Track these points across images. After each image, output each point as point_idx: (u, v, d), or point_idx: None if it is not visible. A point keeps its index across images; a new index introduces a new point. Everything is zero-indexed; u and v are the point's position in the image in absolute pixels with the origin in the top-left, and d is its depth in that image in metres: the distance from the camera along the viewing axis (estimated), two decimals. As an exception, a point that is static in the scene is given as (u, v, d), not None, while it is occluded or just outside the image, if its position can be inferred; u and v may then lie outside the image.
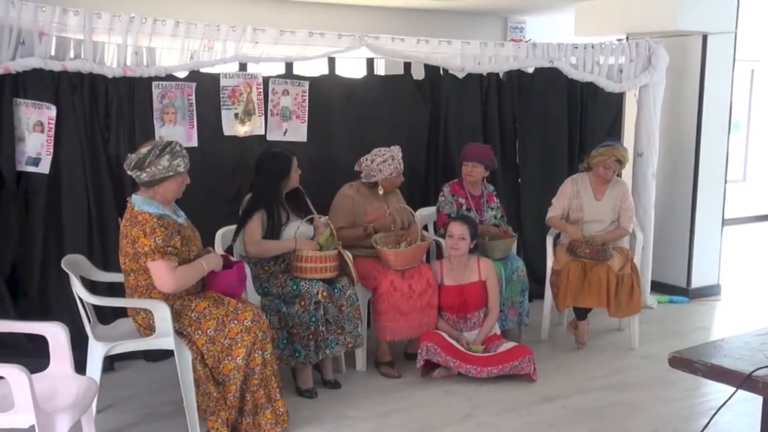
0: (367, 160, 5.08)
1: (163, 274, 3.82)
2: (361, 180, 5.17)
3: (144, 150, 3.87)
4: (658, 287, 6.94)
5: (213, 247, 4.59)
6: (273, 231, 4.60)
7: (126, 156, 3.97)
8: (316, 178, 5.46)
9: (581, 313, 5.50)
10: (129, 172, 3.91)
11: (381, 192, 5.12)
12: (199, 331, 3.93)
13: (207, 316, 3.94)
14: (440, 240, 5.40)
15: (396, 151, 5.13)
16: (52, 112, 4.78)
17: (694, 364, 2.60)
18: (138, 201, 3.91)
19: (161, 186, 3.91)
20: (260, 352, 3.96)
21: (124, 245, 3.91)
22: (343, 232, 4.99)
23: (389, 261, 4.92)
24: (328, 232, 4.71)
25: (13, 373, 2.93)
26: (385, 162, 5.05)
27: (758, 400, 2.64)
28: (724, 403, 2.56)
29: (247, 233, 4.59)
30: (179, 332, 3.94)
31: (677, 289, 6.97)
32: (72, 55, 4.83)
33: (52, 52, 4.76)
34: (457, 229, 5.02)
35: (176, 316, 3.95)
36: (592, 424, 4.30)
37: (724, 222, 7.17)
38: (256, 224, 4.58)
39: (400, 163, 5.12)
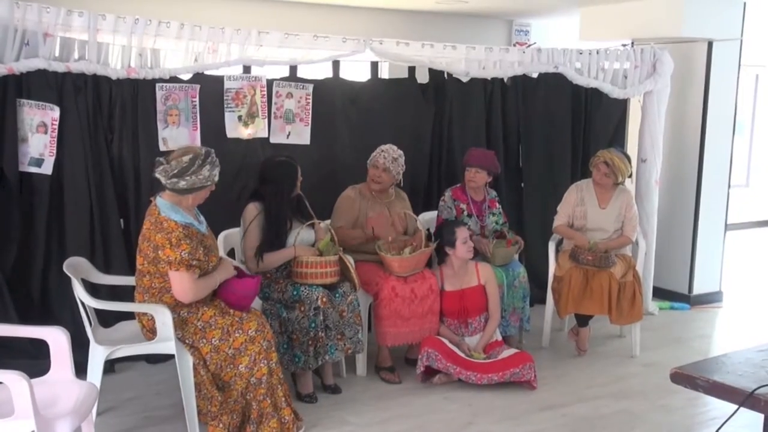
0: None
1: (185, 285, 3.84)
2: (364, 182, 5.17)
3: (186, 158, 3.82)
4: (659, 293, 6.94)
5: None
6: (279, 241, 4.59)
7: (159, 161, 3.86)
8: (319, 181, 5.46)
9: (582, 320, 5.49)
10: (163, 179, 3.83)
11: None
12: (204, 340, 3.93)
13: (212, 326, 3.94)
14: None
15: (389, 146, 5.15)
16: (55, 113, 4.78)
17: (695, 380, 2.59)
18: (163, 206, 3.88)
19: (194, 194, 3.91)
20: (265, 362, 3.96)
21: (145, 247, 3.91)
22: (343, 232, 4.98)
23: (393, 267, 4.92)
24: (328, 238, 4.70)
25: (13, 379, 2.92)
26: (379, 151, 5.11)
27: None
28: (725, 422, 2.55)
29: (247, 251, 4.59)
30: (183, 340, 3.93)
31: (679, 296, 6.96)
32: (76, 56, 4.83)
33: (56, 53, 4.77)
34: (466, 231, 5.04)
35: (182, 323, 3.94)
36: (593, 433, 4.30)
37: (727, 227, 7.15)
38: (251, 241, 4.56)
39: (383, 155, 5.08)
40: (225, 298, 4.05)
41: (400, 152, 5.18)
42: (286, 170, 4.65)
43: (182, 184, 3.83)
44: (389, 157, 5.09)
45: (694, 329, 6.33)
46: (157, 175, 3.85)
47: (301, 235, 4.64)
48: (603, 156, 5.47)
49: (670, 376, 2.65)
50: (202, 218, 4.12)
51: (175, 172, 3.80)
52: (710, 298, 7.05)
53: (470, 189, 5.51)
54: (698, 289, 6.97)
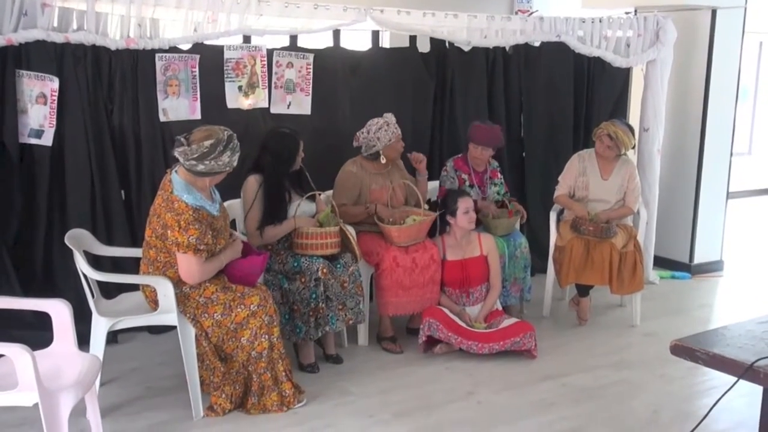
0: (362, 132, 5.06)
1: (192, 268, 3.85)
2: (362, 155, 5.14)
3: (207, 143, 3.76)
4: (660, 262, 6.95)
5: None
6: (279, 214, 4.58)
7: (179, 141, 3.80)
8: (321, 151, 5.43)
9: (583, 290, 5.51)
10: (182, 159, 3.79)
11: (383, 161, 5.07)
12: (206, 315, 3.95)
13: (214, 301, 3.95)
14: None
15: (389, 117, 5.10)
16: (54, 84, 4.75)
17: (695, 352, 2.60)
18: (178, 184, 3.85)
19: (211, 177, 3.90)
20: (267, 336, 3.98)
21: (155, 221, 3.90)
22: (346, 209, 4.98)
23: (392, 237, 4.92)
24: (328, 209, 4.70)
25: (17, 352, 2.95)
26: (380, 129, 5.01)
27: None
28: (724, 394, 2.57)
29: (249, 226, 4.58)
30: (185, 314, 3.95)
31: (680, 265, 6.97)
32: (75, 26, 4.78)
33: (55, 24, 4.71)
34: (469, 202, 5.04)
35: (184, 299, 3.96)
36: (593, 403, 4.32)
37: (728, 195, 7.14)
38: (255, 214, 4.56)
39: (396, 127, 5.07)
40: (230, 275, 4.06)
41: (393, 116, 5.18)
42: (288, 144, 4.63)
43: (201, 167, 3.80)
44: (396, 125, 5.09)
45: (694, 298, 6.35)
46: (176, 155, 3.81)
47: (301, 207, 4.64)
48: (607, 128, 5.43)
49: (671, 349, 2.66)
50: (216, 196, 4.10)
51: (196, 155, 3.76)
52: (711, 267, 7.06)
53: (473, 161, 5.51)
54: (699, 258, 6.98)
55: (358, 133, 5.08)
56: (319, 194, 4.84)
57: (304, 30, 5.44)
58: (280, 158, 4.59)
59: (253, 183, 4.59)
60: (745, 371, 2.43)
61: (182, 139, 3.81)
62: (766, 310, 3.04)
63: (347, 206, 5.01)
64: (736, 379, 2.48)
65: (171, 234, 3.80)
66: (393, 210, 5.08)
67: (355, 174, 5.09)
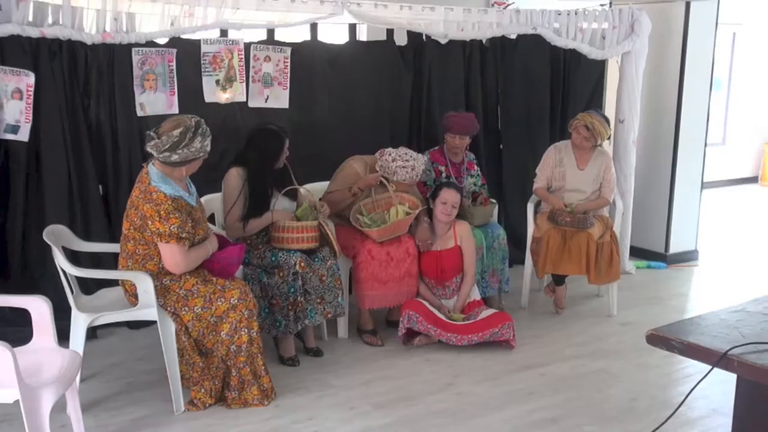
0: (389, 155, 4.98)
1: (176, 257, 3.85)
2: (376, 161, 5.07)
3: (176, 132, 3.77)
4: (636, 252, 7.02)
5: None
6: (261, 208, 4.58)
7: (149, 135, 3.80)
8: (298, 144, 5.43)
9: (559, 279, 5.56)
10: (155, 153, 3.80)
11: (392, 189, 5.00)
12: (186, 308, 3.95)
13: (195, 294, 3.95)
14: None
15: (420, 161, 5.01)
16: (30, 79, 4.71)
17: (671, 341, 2.63)
18: (155, 175, 3.86)
19: (187, 166, 3.89)
20: (246, 330, 3.98)
21: (132, 214, 3.89)
22: (331, 196, 4.99)
23: (372, 236, 4.92)
24: (306, 204, 4.71)
25: (-3, 350, 2.94)
26: (403, 168, 4.93)
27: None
28: (699, 383, 2.62)
29: (230, 217, 4.58)
30: (165, 307, 3.95)
31: (655, 255, 7.05)
32: (50, 21, 4.74)
33: (30, 18, 4.67)
34: (453, 196, 5.06)
35: (164, 291, 3.96)
36: (571, 392, 4.37)
37: (703, 185, 7.22)
38: (236, 208, 4.56)
39: (418, 174, 5.01)
40: (210, 267, 4.06)
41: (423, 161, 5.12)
42: (273, 142, 4.64)
43: (174, 157, 3.80)
44: (420, 172, 5.07)
45: (670, 288, 6.43)
46: (149, 150, 3.81)
47: (281, 203, 4.65)
48: (583, 119, 5.48)
49: (647, 338, 2.69)
50: (193, 189, 4.11)
51: (167, 146, 3.76)
52: (686, 257, 7.15)
53: (450, 152, 5.54)
54: (674, 248, 7.06)
55: (385, 151, 5.01)
56: (300, 189, 4.83)
57: (281, 24, 5.44)
58: (263, 155, 4.60)
59: (235, 175, 4.59)
60: (719, 360, 2.46)
61: (152, 134, 3.83)
62: (740, 298, 3.07)
63: (333, 193, 5.02)
64: (710, 367, 2.52)
65: (152, 225, 3.80)
66: (377, 198, 5.07)
67: (359, 175, 5.06)
